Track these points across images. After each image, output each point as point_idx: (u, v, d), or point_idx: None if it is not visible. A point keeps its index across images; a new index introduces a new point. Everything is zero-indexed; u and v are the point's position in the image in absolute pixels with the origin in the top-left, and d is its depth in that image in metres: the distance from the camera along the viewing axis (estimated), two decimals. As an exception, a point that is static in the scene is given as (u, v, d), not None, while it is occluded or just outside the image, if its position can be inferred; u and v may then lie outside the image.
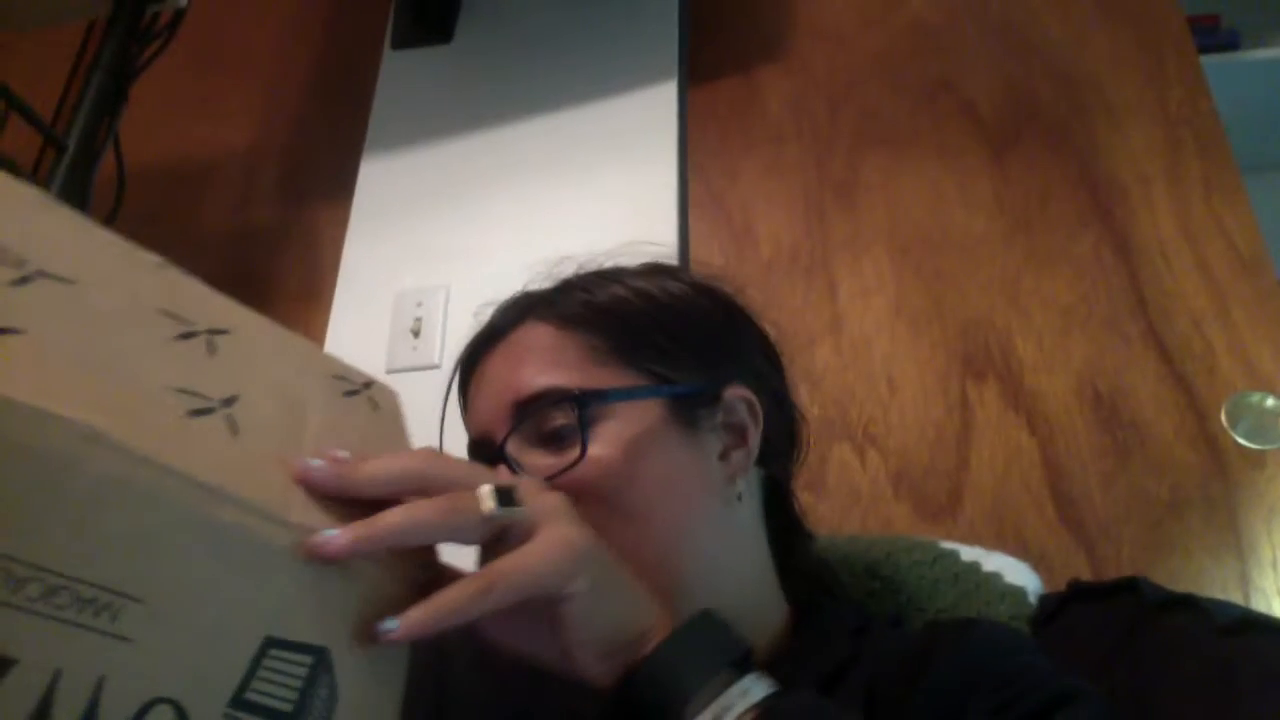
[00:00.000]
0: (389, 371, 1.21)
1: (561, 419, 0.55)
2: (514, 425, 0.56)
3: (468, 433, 0.62)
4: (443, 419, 0.68)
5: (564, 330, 0.59)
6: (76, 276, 0.36)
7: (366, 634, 0.37)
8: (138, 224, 1.29)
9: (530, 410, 0.56)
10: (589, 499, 0.52)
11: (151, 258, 0.42)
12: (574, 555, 0.42)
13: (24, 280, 0.34)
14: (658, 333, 0.59)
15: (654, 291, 0.62)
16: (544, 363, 0.58)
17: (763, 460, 0.62)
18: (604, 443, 0.54)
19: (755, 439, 0.60)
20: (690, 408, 0.58)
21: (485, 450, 0.58)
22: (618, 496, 0.54)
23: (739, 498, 0.59)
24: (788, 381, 0.67)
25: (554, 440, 0.55)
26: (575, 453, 0.54)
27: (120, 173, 1.25)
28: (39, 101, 1.16)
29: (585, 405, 0.55)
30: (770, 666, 0.52)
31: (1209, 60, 1.29)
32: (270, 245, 1.41)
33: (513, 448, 0.56)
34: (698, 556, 0.56)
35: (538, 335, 0.60)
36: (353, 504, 0.39)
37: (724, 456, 0.59)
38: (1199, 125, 1.20)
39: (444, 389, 0.66)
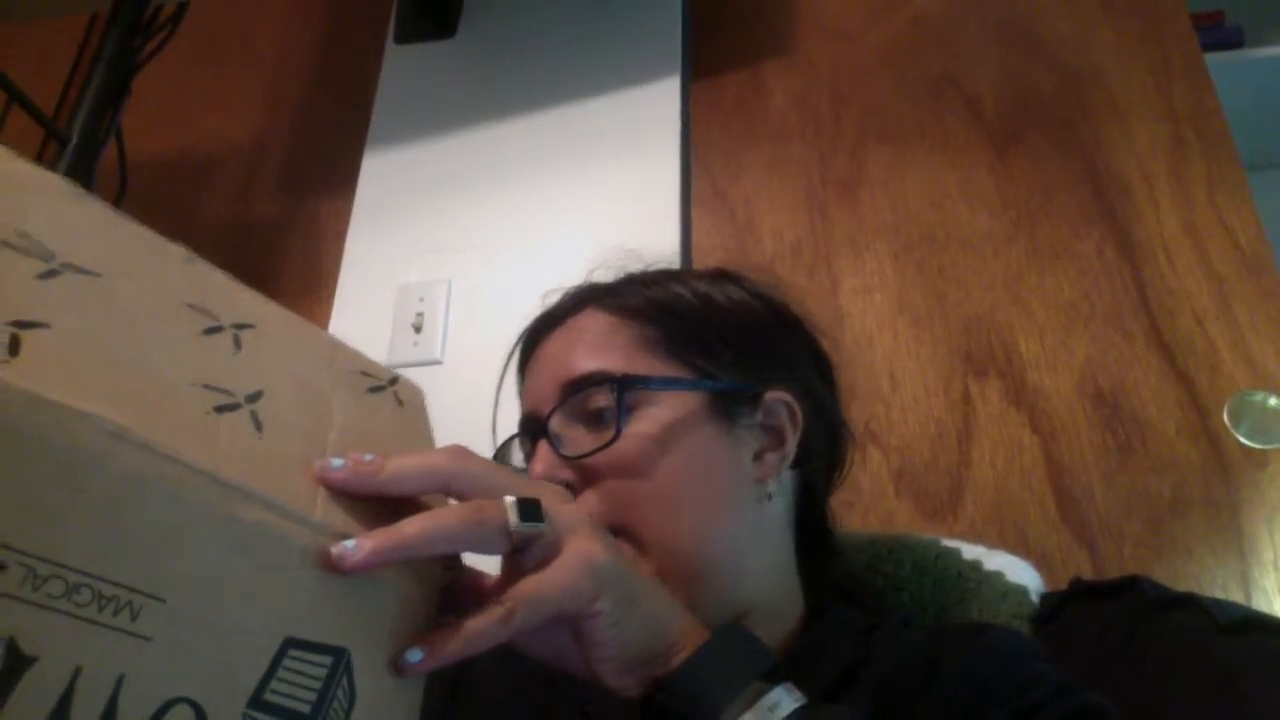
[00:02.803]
0: (390, 366, 1.21)
1: (604, 400, 0.58)
2: (560, 402, 0.59)
3: (521, 409, 0.65)
4: (496, 403, 0.70)
5: (620, 319, 0.62)
6: (103, 269, 0.36)
7: (392, 665, 0.37)
8: (139, 217, 1.28)
9: (576, 389, 0.58)
10: (623, 476, 0.55)
11: (179, 250, 0.42)
12: (596, 575, 0.42)
13: (51, 273, 0.34)
14: (707, 331, 0.62)
15: (713, 294, 0.64)
16: (595, 347, 0.60)
17: (801, 467, 0.63)
18: (640, 424, 0.57)
19: (792, 443, 0.62)
20: (729, 404, 0.60)
21: (533, 425, 0.61)
22: (649, 476, 0.56)
23: (769, 497, 0.61)
24: (837, 397, 0.68)
25: (596, 419, 0.58)
26: (613, 432, 0.56)
27: (122, 165, 1.24)
28: (41, 94, 1.16)
29: (626, 388, 0.57)
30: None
31: (1213, 58, 1.29)
32: (272, 239, 1.41)
33: (556, 424, 0.59)
34: (722, 543, 0.57)
35: (595, 322, 0.63)
36: (377, 504, 0.38)
37: (759, 457, 0.61)
38: (1203, 122, 1.20)
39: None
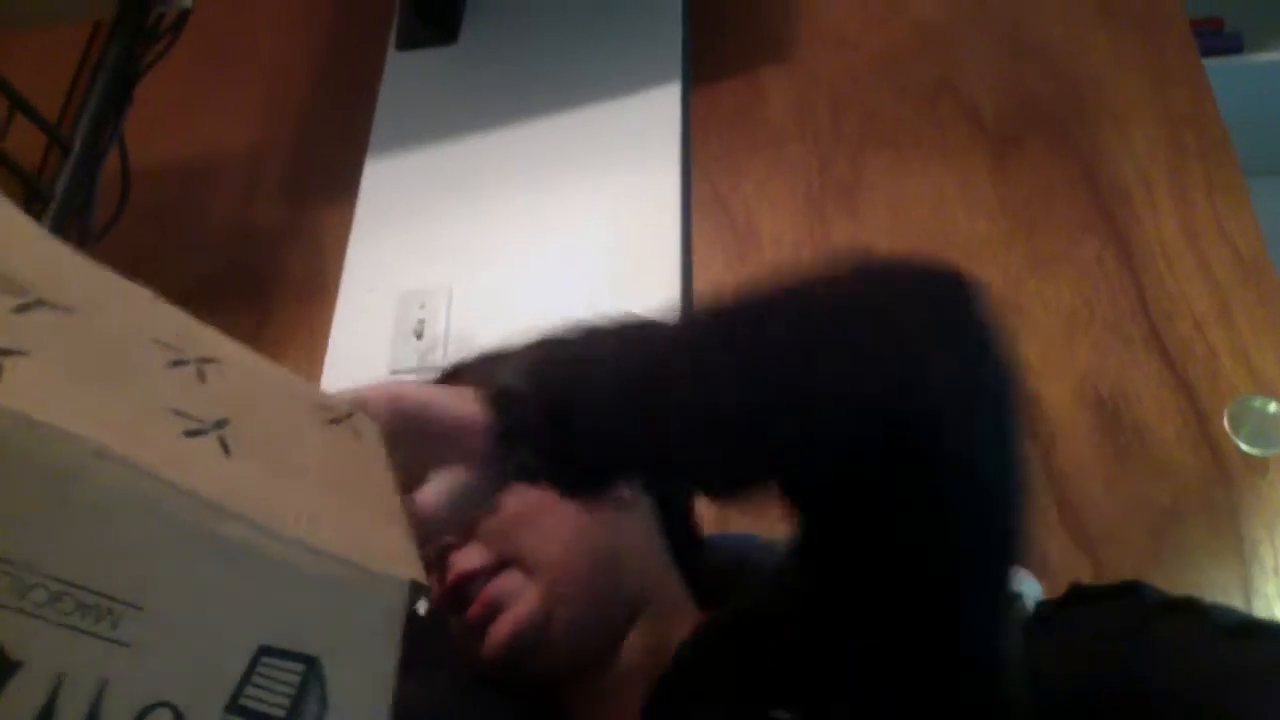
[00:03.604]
0: (392, 373, 1.21)
1: None
2: None
3: None
4: None
5: None
6: (75, 305, 0.39)
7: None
8: (142, 223, 1.30)
9: None
10: (493, 516, 0.60)
11: (144, 291, 0.44)
12: None
13: (25, 308, 0.36)
14: None
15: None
16: None
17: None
18: None
19: None
20: None
21: None
22: (514, 508, 0.61)
23: (628, 505, 0.66)
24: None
25: None
26: None
27: (125, 172, 1.25)
28: (44, 101, 1.17)
29: None
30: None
31: (1212, 63, 1.29)
32: (274, 245, 1.42)
33: None
34: (597, 552, 0.62)
35: None
36: (351, 519, 0.40)
37: None
38: (1202, 128, 1.20)
39: None
